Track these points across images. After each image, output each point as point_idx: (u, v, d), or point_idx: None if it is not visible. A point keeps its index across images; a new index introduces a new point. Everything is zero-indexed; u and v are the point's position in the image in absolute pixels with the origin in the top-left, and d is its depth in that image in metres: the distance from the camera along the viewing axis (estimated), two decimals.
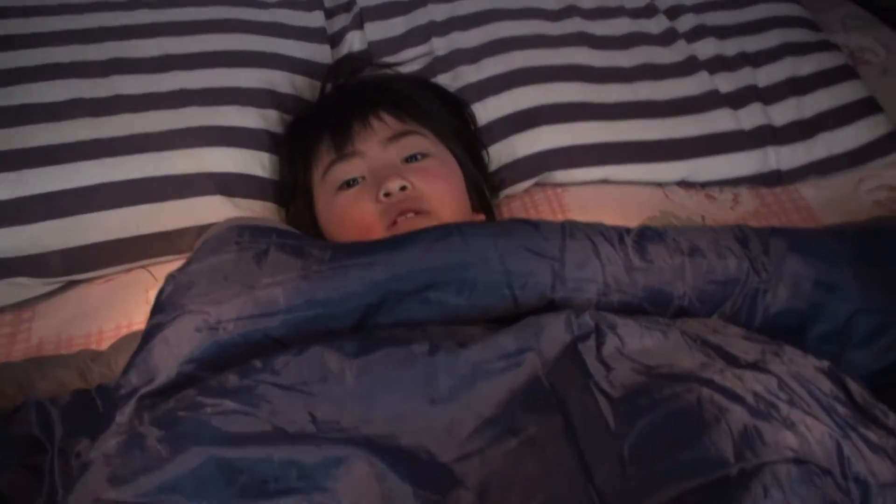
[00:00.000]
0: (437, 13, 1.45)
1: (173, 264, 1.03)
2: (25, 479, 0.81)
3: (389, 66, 1.35)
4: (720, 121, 1.33)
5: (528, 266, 0.88)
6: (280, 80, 1.32)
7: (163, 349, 0.85)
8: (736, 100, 1.36)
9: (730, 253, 0.94)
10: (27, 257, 1.15)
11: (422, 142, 1.10)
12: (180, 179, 1.18)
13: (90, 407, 0.90)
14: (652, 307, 0.90)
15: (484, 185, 1.21)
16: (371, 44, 1.43)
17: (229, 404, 0.74)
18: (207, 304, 0.87)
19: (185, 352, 0.84)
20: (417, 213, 1.02)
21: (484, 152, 1.27)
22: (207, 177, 1.19)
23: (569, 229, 0.93)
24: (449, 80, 1.35)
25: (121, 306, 1.16)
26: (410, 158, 1.08)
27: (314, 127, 1.14)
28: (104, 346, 1.09)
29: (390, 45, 1.42)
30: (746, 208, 1.29)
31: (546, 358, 0.77)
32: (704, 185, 1.33)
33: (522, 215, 1.28)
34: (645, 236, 0.95)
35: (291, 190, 1.18)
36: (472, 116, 1.29)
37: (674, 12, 1.51)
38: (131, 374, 0.85)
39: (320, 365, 0.77)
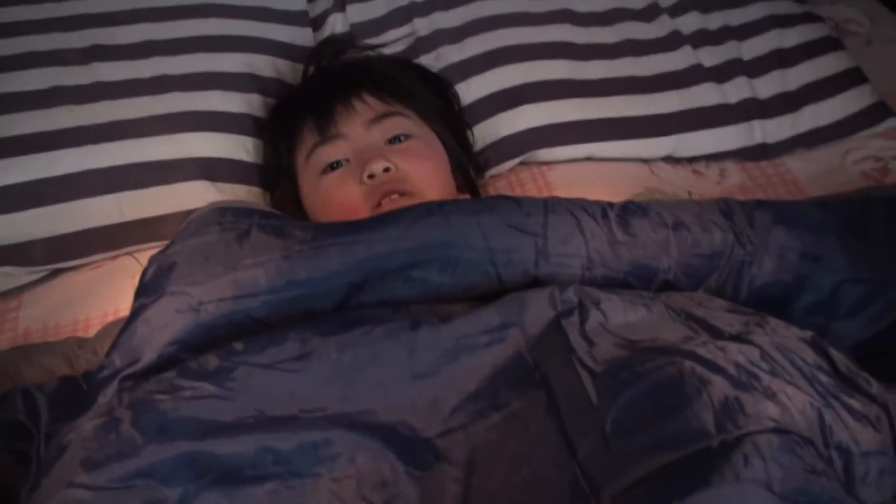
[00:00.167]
0: None
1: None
2: (12, 464, 0.81)
3: (372, 47, 1.35)
4: (705, 95, 1.33)
5: (511, 242, 0.88)
6: (262, 64, 1.32)
7: (145, 331, 0.86)
8: (720, 73, 1.36)
9: (714, 226, 0.94)
10: (11, 246, 1.15)
11: (405, 123, 1.10)
12: (164, 165, 1.18)
13: (76, 393, 0.90)
14: (637, 281, 0.91)
15: (469, 166, 1.20)
16: (353, 26, 1.43)
17: (207, 388, 0.74)
18: (189, 286, 0.87)
19: (168, 333, 0.84)
20: (402, 194, 1.02)
21: (468, 132, 1.27)
22: (191, 162, 1.19)
23: (551, 205, 0.93)
24: (432, 61, 1.35)
25: (107, 293, 1.16)
26: (394, 140, 1.08)
27: (297, 110, 1.14)
28: (91, 333, 1.10)
29: (372, 27, 1.42)
30: (733, 182, 1.29)
31: (529, 334, 0.77)
32: (690, 161, 1.32)
33: (508, 194, 1.27)
34: (628, 211, 0.95)
35: (276, 174, 1.18)
36: (455, 96, 1.29)
37: None
38: (114, 356, 0.86)
39: (302, 344, 0.77)
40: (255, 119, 1.26)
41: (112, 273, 1.19)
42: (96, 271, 1.20)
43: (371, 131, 1.08)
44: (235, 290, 0.85)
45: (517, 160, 1.31)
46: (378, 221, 0.90)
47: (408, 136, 1.09)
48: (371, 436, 0.70)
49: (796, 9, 1.46)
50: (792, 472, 0.62)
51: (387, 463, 0.69)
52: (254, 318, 0.85)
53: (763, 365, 0.71)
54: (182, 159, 1.19)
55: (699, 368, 0.69)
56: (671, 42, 1.40)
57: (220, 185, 1.19)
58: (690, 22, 1.43)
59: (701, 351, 0.71)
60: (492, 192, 1.29)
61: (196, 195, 1.17)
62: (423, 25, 1.40)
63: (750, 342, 0.74)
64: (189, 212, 1.11)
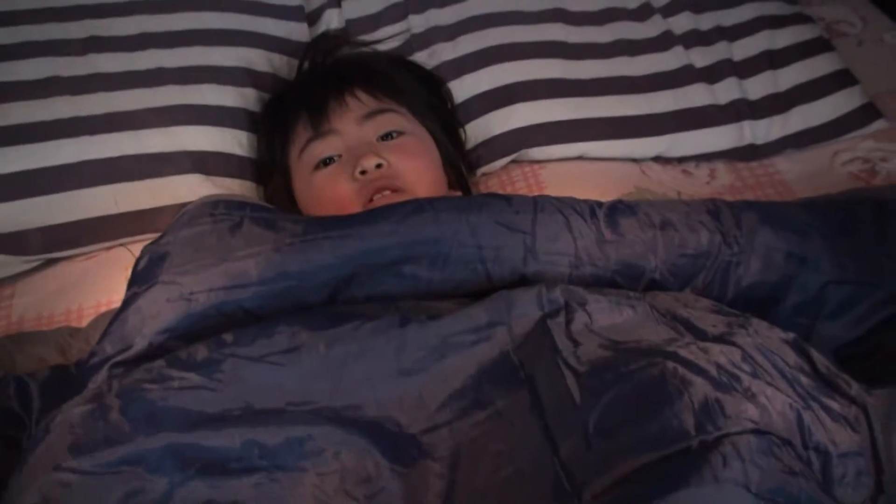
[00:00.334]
0: None
1: None
2: (3, 451, 0.82)
3: (367, 43, 1.35)
4: (696, 95, 1.34)
5: (500, 240, 0.89)
6: (258, 59, 1.33)
7: (136, 319, 0.87)
8: (711, 74, 1.36)
9: (701, 226, 0.95)
10: (6, 235, 1.15)
11: (398, 119, 1.11)
12: (158, 158, 1.19)
13: (68, 381, 0.91)
14: (624, 280, 0.91)
15: (461, 163, 1.21)
16: (348, 21, 1.43)
17: (196, 378, 0.75)
18: (180, 275, 0.88)
19: (158, 322, 0.85)
20: (394, 190, 1.03)
21: (461, 130, 1.27)
22: (185, 155, 1.19)
23: (541, 203, 0.94)
24: (426, 58, 1.35)
25: (100, 283, 1.17)
26: (386, 136, 1.09)
27: (291, 105, 1.15)
28: (84, 323, 1.11)
29: (368, 23, 1.42)
30: (722, 183, 1.30)
31: (516, 333, 0.78)
32: (681, 161, 1.33)
33: (499, 192, 1.28)
34: (616, 210, 0.96)
35: (269, 168, 1.19)
36: (448, 94, 1.30)
37: None
38: (105, 343, 0.87)
39: (291, 337, 0.78)
40: (249, 113, 1.26)
41: (106, 263, 1.20)
42: (90, 261, 1.21)
43: (364, 128, 1.08)
44: (226, 280, 0.86)
45: (509, 158, 1.31)
46: (369, 217, 0.91)
47: (400, 133, 1.09)
48: (356, 431, 0.71)
49: (787, 10, 1.47)
50: (770, 472, 0.63)
51: (371, 458, 0.70)
52: (244, 309, 0.85)
53: (744, 366, 0.72)
54: (176, 152, 1.19)
55: (681, 369, 0.69)
56: (663, 42, 1.40)
57: (214, 178, 1.20)
58: (683, 22, 1.44)
59: (683, 352, 0.72)
60: (483, 189, 1.30)
61: (190, 188, 1.18)
62: (417, 22, 1.41)
63: (732, 343, 0.75)
64: (183, 205, 1.12)
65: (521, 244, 0.89)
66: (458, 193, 1.18)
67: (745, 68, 1.38)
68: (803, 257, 0.94)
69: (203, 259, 0.89)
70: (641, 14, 1.46)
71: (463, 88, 1.32)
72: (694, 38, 1.41)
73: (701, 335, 0.77)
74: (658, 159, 1.33)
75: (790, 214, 0.99)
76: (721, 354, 0.72)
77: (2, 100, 1.20)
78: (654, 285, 0.92)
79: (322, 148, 1.08)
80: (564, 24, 1.41)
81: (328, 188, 1.06)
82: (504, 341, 0.77)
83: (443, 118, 1.22)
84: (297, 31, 1.41)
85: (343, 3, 1.45)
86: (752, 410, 0.67)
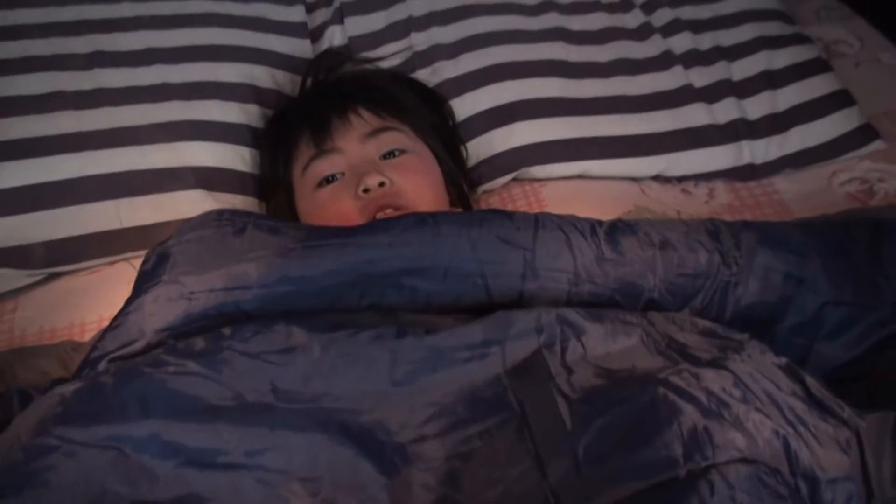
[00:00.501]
0: (417, 8, 1.46)
1: None
2: None
3: (369, 60, 1.37)
4: (695, 115, 1.35)
5: (500, 255, 0.89)
6: (261, 75, 1.33)
7: (137, 317, 0.88)
8: (710, 94, 1.37)
9: (700, 246, 0.95)
10: (10, 249, 1.16)
11: (400, 138, 1.12)
12: (162, 173, 1.19)
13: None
14: (623, 299, 0.92)
15: (462, 181, 1.22)
16: (351, 38, 1.44)
17: (192, 366, 0.76)
18: (182, 275, 0.89)
19: (159, 320, 0.86)
20: (396, 208, 1.03)
21: (462, 148, 1.28)
22: (189, 171, 1.20)
23: (542, 220, 0.94)
24: (428, 75, 1.36)
25: (103, 298, 1.17)
26: (389, 154, 1.10)
27: (294, 122, 1.16)
28: (86, 337, 1.11)
29: (370, 40, 1.43)
30: (721, 202, 1.31)
31: (509, 356, 0.78)
32: (680, 180, 1.34)
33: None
34: (617, 229, 0.96)
35: (272, 185, 1.19)
36: (450, 112, 1.31)
37: (650, 7, 1.52)
38: (105, 339, 0.88)
39: (288, 337, 0.79)
40: (252, 129, 1.27)
41: (109, 278, 1.20)
42: (93, 276, 1.21)
43: (366, 146, 1.09)
44: (227, 281, 0.87)
45: (510, 176, 1.32)
46: (371, 228, 0.92)
47: (402, 151, 1.10)
48: (345, 437, 0.72)
49: (786, 30, 1.48)
50: (758, 500, 0.64)
51: (357, 465, 0.70)
52: (244, 311, 0.86)
53: (735, 392, 0.73)
54: (180, 168, 1.20)
55: (671, 396, 0.70)
56: (663, 62, 1.41)
57: (217, 194, 1.20)
58: (682, 42, 1.45)
59: (675, 379, 0.73)
60: (484, 207, 1.30)
61: (193, 204, 1.18)
62: (420, 40, 1.41)
63: (725, 368, 0.75)
64: (186, 220, 1.14)
65: (521, 260, 0.89)
66: (460, 211, 1.19)
67: (744, 88, 1.39)
68: (801, 278, 0.94)
69: (206, 260, 0.90)
70: (641, 34, 1.47)
71: (464, 106, 1.33)
72: (693, 58, 1.42)
73: (694, 360, 0.78)
74: (657, 178, 1.34)
75: (788, 235, 0.99)
76: (712, 381, 0.73)
77: (6, 114, 1.20)
78: (652, 304, 0.92)
79: (325, 166, 1.09)
80: (565, 42, 1.42)
81: (331, 206, 1.06)
82: (497, 363, 0.77)
83: (444, 136, 1.23)
84: (301, 48, 1.41)
85: (346, 20, 1.46)
86: (739, 439, 0.69)
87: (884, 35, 1.58)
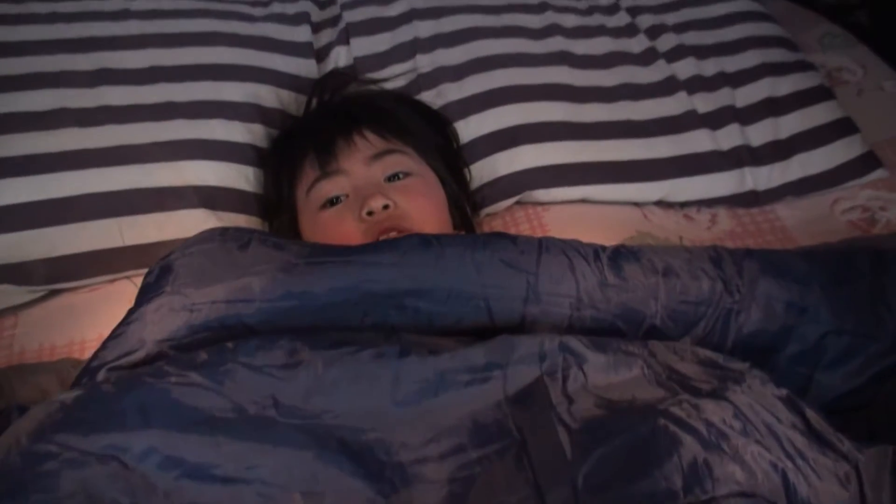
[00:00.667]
0: (423, 30, 1.46)
1: None
2: None
3: (374, 81, 1.37)
4: (698, 141, 1.35)
5: (503, 278, 0.89)
6: (266, 95, 1.33)
7: (138, 326, 0.88)
8: (714, 120, 1.38)
9: (703, 274, 0.95)
10: (11, 265, 1.15)
11: (405, 160, 1.12)
12: (165, 192, 1.19)
13: None
14: (624, 325, 0.92)
15: (465, 204, 1.22)
16: (357, 59, 1.44)
17: (194, 377, 0.76)
18: (185, 286, 0.89)
19: (160, 330, 0.86)
20: (400, 231, 1.03)
21: (466, 170, 1.28)
22: (192, 190, 1.20)
23: (545, 244, 0.94)
24: (433, 97, 1.36)
25: (103, 316, 1.16)
26: (393, 177, 1.10)
27: (299, 143, 1.16)
28: (86, 355, 1.09)
29: (376, 61, 1.43)
30: (723, 228, 1.31)
31: (511, 381, 0.77)
32: (683, 206, 1.34)
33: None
34: (620, 255, 0.96)
35: (275, 205, 1.19)
36: (454, 134, 1.31)
37: (654, 32, 1.53)
38: (105, 349, 0.88)
39: (292, 353, 0.78)
40: (256, 149, 1.27)
41: (109, 296, 1.20)
42: (94, 293, 1.21)
43: (371, 168, 1.09)
44: (230, 294, 0.87)
45: (513, 200, 1.32)
46: (375, 247, 0.92)
47: (407, 174, 1.10)
48: (344, 455, 0.71)
49: (790, 57, 1.49)
50: None
51: (356, 484, 0.70)
52: (246, 325, 0.86)
53: (735, 423, 0.73)
54: (183, 187, 1.20)
55: (672, 427, 0.70)
56: (667, 87, 1.42)
57: (221, 213, 1.20)
58: (686, 67, 1.45)
59: (675, 410, 0.72)
60: (486, 230, 1.30)
61: (196, 223, 1.18)
62: (425, 62, 1.42)
63: (725, 399, 0.75)
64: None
65: (524, 284, 0.89)
66: (463, 234, 1.18)
67: (748, 115, 1.39)
68: (803, 307, 0.94)
69: (209, 273, 0.90)
70: (646, 59, 1.47)
71: (468, 129, 1.33)
72: (697, 84, 1.42)
73: (695, 392, 0.77)
74: (660, 204, 1.34)
75: (791, 264, 0.99)
76: (713, 412, 0.73)
77: (9, 130, 1.20)
78: (654, 331, 0.92)
79: (329, 187, 1.09)
80: (570, 67, 1.42)
81: (334, 227, 1.06)
82: (498, 388, 0.77)
83: (448, 158, 1.23)
84: (306, 68, 1.41)
85: (352, 41, 1.46)
86: (738, 472, 0.68)
87: (887, 63, 1.59)
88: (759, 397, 0.77)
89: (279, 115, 1.32)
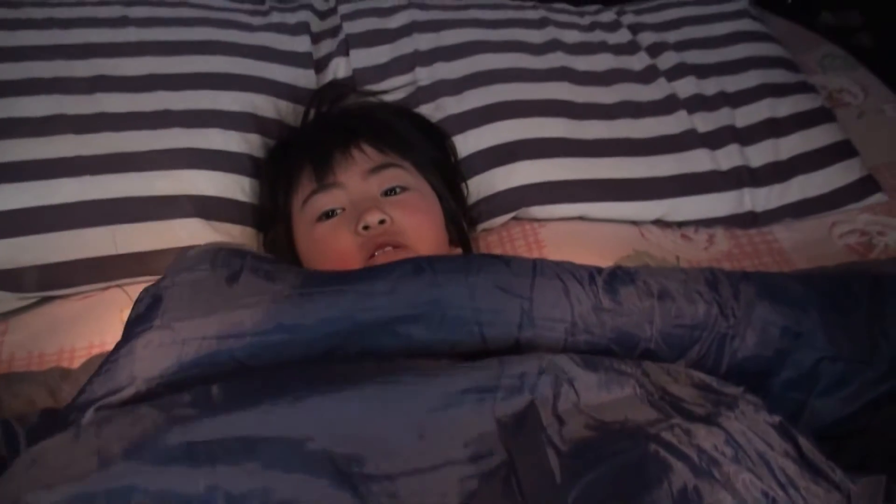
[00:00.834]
0: (423, 43, 1.46)
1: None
2: None
3: (373, 93, 1.36)
4: (698, 161, 1.35)
5: (497, 303, 0.88)
6: (264, 105, 1.33)
7: (127, 362, 0.86)
8: (714, 140, 1.37)
9: (699, 297, 0.95)
10: (2, 271, 1.15)
11: (402, 175, 1.11)
12: (160, 201, 1.19)
13: (56, 427, 0.89)
14: (619, 348, 0.91)
15: (462, 219, 1.21)
16: (356, 71, 1.43)
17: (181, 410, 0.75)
18: (175, 321, 0.88)
19: (150, 367, 0.85)
20: (395, 247, 1.03)
21: (463, 185, 1.28)
22: (187, 199, 1.19)
23: (539, 268, 0.93)
24: (432, 111, 1.36)
25: (94, 324, 1.16)
26: (390, 191, 1.09)
27: (296, 155, 1.15)
28: (76, 363, 1.10)
29: (375, 73, 1.43)
30: (720, 249, 1.31)
31: (501, 403, 0.76)
32: (680, 225, 1.34)
33: (499, 250, 1.29)
34: (616, 277, 0.95)
35: (271, 216, 1.18)
36: (452, 148, 1.30)
37: (655, 50, 1.53)
38: (94, 384, 0.86)
39: (281, 387, 0.77)
40: (253, 159, 1.26)
41: (101, 304, 1.19)
42: (85, 301, 1.20)
43: (368, 182, 1.09)
44: (220, 329, 0.86)
45: (510, 216, 1.32)
46: (367, 274, 0.91)
47: (404, 189, 1.10)
48: (327, 476, 0.70)
49: (791, 78, 1.49)
50: None
51: (343, 500, 0.68)
52: (237, 360, 0.85)
53: (727, 450, 0.72)
54: (178, 196, 1.19)
55: (663, 453, 0.69)
56: (667, 105, 1.42)
57: (215, 223, 1.20)
58: (687, 86, 1.45)
59: (667, 435, 0.72)
60: (483, 246, 1.30)
61: (190, 232, 1.18)
62: (424, 75, 1.41)
63: (717, 425, 0.74)
64: (182, 249, 1.12)
65: (518, 309, 0.89)
66: (459, 250, 1.18)
67: (748, 135, 1.39)
68: (799, 332, 0.94)
69: (199, 306, 0.89)
70: (647, 76, 1.47)
71: (467, 143, 1.32)
72: (698, 103, 1.42)
73: (687, 415, 0.77)
74: (658, 223, 1.34)
75: (787, 288, 0.99)
76: (704, 438, 0.72)
77: (5, 136, 1.19)
78: (648, 354, 0.92)
79: (326, 200, 1.08)
80: (570, 83, 1.42)
81: (330, 241, 1.06)
82: (488, 410, 0.76)
83: (446, 173, 1.22)
84: (305, 78, 1.41)
85: (351, 52, 1.45)
86: (729, 500, 0.67)
87: (888, 87, 1.59)
88: (752, 424, 0.76)
89: (277, 126, 1.32)
